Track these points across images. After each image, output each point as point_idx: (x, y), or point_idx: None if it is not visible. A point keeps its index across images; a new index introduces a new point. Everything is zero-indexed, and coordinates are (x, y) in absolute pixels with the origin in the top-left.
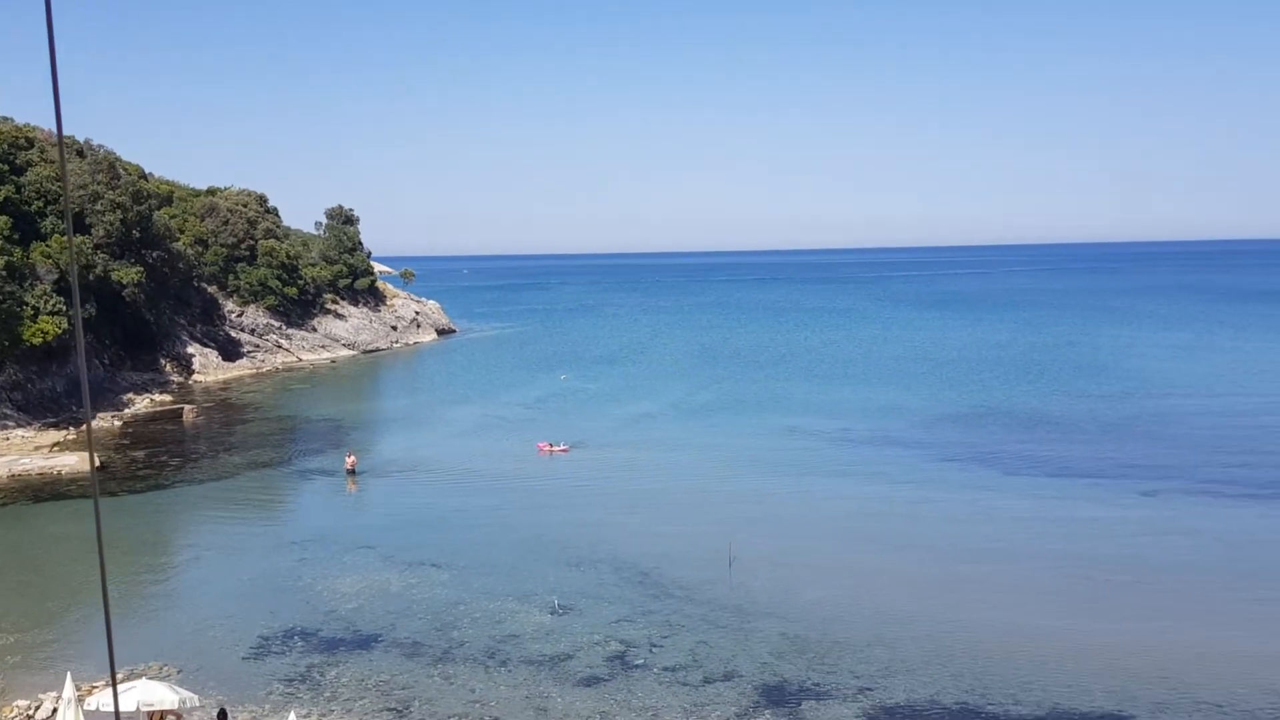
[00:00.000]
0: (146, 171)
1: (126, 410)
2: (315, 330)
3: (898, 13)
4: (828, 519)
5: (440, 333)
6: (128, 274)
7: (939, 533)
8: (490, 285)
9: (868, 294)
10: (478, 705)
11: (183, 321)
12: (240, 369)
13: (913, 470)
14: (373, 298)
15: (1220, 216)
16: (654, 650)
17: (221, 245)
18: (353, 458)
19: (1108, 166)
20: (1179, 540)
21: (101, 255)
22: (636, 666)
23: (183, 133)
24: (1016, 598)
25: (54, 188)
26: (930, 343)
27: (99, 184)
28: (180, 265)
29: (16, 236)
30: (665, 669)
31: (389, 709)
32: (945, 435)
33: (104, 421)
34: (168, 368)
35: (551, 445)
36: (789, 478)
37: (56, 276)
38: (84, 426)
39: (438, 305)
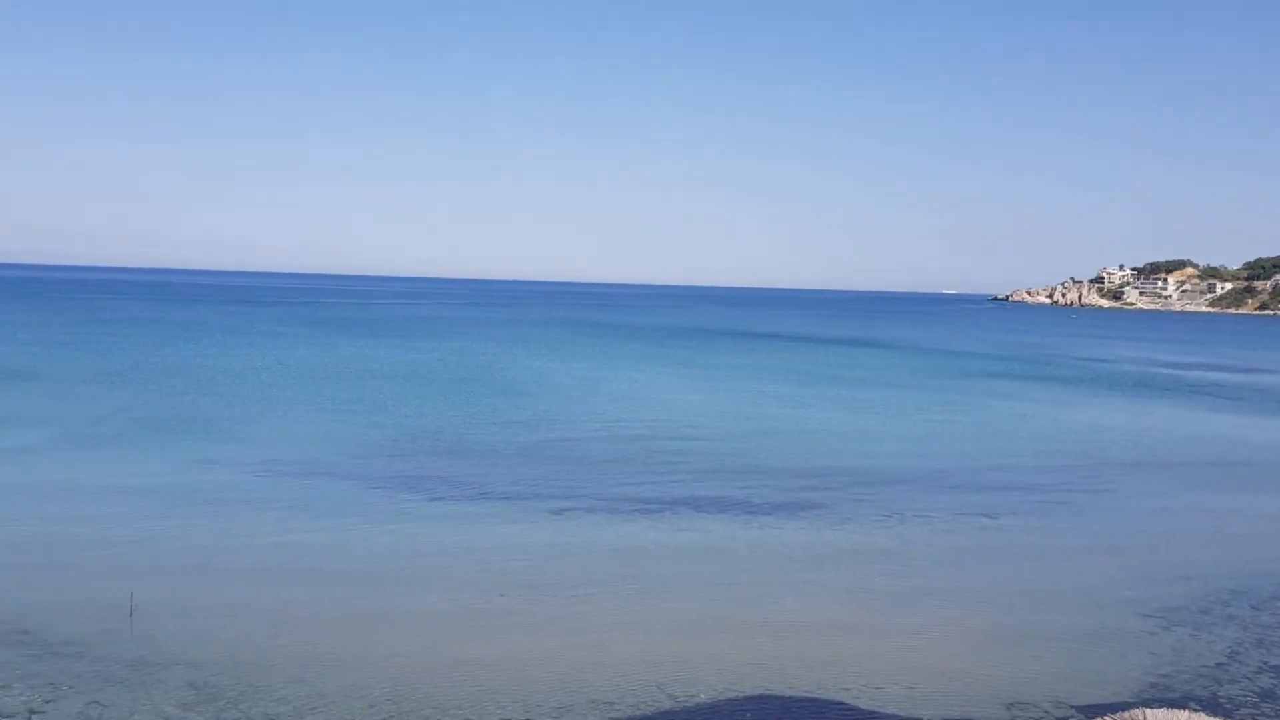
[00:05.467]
0: None
1: None
2: None
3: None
4: (246, 558)
5: None
6: None
7: (364, 565)
8: None
9: (299, 317)
10: None
11: None
12: None
13: (339, 501)
14: None
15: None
16: (34, 716)
17: None
18: None
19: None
20: (580, 555)
21: None
22: None
23: None
24: (436, 623)
25: None
26: (361, 366)
27: None
28: None
29: None
30: None
31: None
32: (373, 462)
33: None
34: None
35: None
36: (204, 516)
37: None
38: None
39: None
